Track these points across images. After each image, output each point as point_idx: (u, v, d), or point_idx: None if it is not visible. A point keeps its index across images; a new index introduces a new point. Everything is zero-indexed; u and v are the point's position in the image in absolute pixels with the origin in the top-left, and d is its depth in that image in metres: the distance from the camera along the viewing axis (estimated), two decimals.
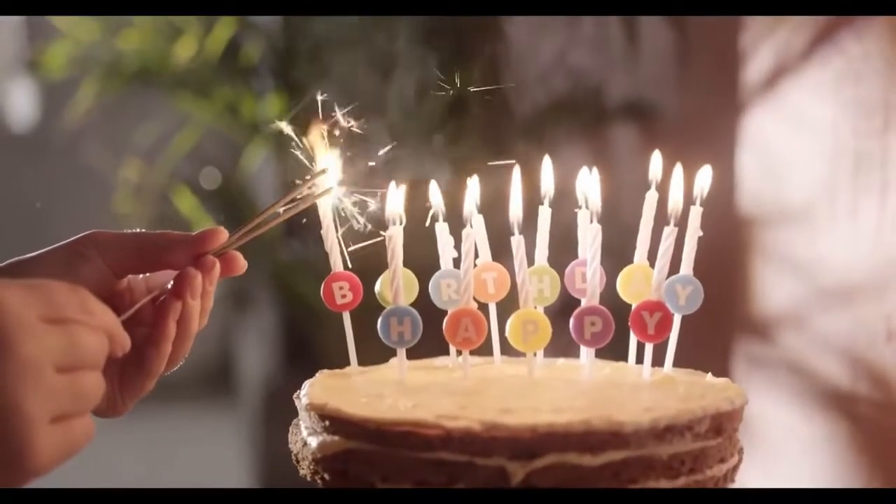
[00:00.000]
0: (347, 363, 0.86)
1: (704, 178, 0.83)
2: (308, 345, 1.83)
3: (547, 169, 0.86)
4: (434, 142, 1.70)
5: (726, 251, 1.33)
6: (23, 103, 2.95)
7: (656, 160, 0.84)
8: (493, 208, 0.87)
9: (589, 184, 0.83)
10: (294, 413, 0.83)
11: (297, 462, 0.79)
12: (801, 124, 1.24)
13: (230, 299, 2.15)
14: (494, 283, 0.86)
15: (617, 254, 0.88)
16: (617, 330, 0.82)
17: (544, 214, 0.86)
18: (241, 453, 2.45)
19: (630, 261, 0.85)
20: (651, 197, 0.83)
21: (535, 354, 0.84)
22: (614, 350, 0.86)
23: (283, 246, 1.90)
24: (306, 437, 0.79)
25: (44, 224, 3.06)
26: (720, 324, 1.32)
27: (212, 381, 3.00)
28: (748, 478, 0.84)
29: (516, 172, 0.85)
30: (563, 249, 0.90)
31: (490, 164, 0.87)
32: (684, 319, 0.82)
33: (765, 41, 1.29)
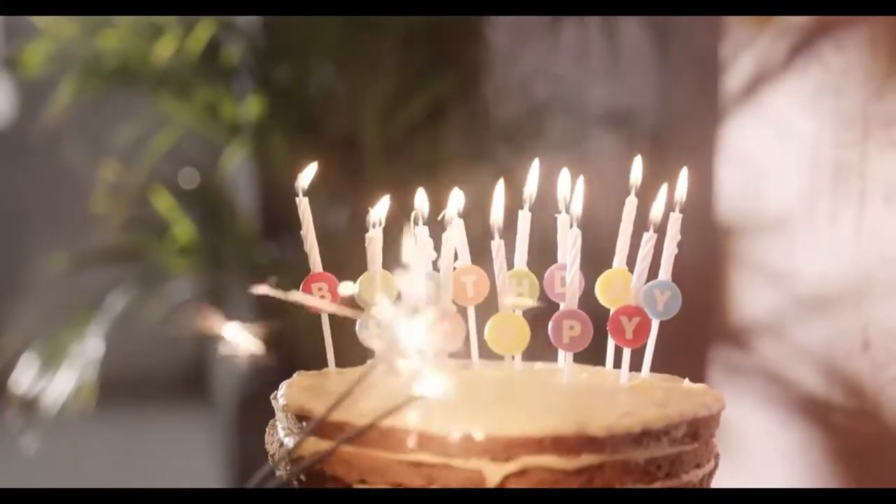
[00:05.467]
0: (323, 367, 0.86)
1: (682, 181, 0.83)
2: (284, 348, 1.83)
3: (534, 172, 0.86)
4: (414, 145, 1.70)
5: (704, 259, 1.33)
6: (0, 101, 2.93)
7: (637, 166, 0.84)
8: (473, 213, 0.88)
9: (571, 188, 0.84)
10: (269, 416, 0.83)
11: (274, 463, 0.79)
12: (780, 134, 1.24)
13: (205, 301, 2.15)
14: (473, 287, 0.86)
15: (594, 260, 0.88)
16: (594, 335, 0.82)
17: (524, 218, 0.86)
18: (215, 456, 2.44)
19: (607, 266, 0.85)
20: (631, 203, 0.83)
21: (513, 357, 0.84)
22: (591, 355, 0.86)
23: (259, 247, 1.89)
24: (283, 438, 0.78)
25: (21, 223, 3.04)
26: (697, 331, 1.33)
27: (186, 383, 2.99)
28: (724, 485, 0.84)
29: (500, 178, 0.85)
30: (542, 254, 0.90)
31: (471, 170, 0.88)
32: (661, 327, 0.83)
33: (745, 50, 1.30)
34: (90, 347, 1.76)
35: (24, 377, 1.76)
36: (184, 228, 1.79)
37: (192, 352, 2.96)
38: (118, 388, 1.94)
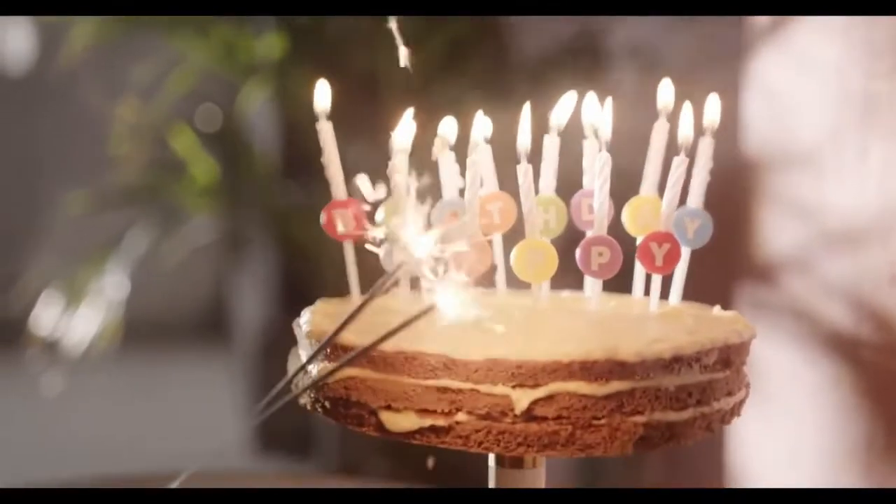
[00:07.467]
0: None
1: (712, 105, 0.81)
2: (305, 290, 1.82)
3: (568, 101, 0.84)
4: (436, 84, 1.68)
5: (730, 193, 1.31)
6: (19, 43, 2.92)
7: (666, 88, 0.82)
8: (499, 144, 0.86)
9: (599, 112, 0.82)
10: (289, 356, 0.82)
11: (296, 388, 0.78)
12: (808, 66, 1.22)
13: (224, 242, 2.14)
14: (500, 214, 0.84)
15: (616, 195, 0.86)
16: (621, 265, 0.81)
17: (552, 144, 0.84)
18: (235, 398, 2.44)
19: (628, 196, 0.83)
20: (661, 127, 0.82)
21: (539, 286, 0.83)
22: (617, 286, 0.85)
23: (279, 187, 1.88)
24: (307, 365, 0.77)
25: (40, 165, 3.04)
26: (723, 266, 1.31)
27: (206, 325, 3.00)
28: (750, 422, 0.83)
29: (526, 105, 0.83)
30: (567, 185, 0.88)
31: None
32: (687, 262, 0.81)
33: None
34: (111, 288, 1.76)
35: (46, 318, 1.76)
36: (203, 168, 1.78)
37: (211, 294, 2.96)
38: (138, 328, 1.94)
